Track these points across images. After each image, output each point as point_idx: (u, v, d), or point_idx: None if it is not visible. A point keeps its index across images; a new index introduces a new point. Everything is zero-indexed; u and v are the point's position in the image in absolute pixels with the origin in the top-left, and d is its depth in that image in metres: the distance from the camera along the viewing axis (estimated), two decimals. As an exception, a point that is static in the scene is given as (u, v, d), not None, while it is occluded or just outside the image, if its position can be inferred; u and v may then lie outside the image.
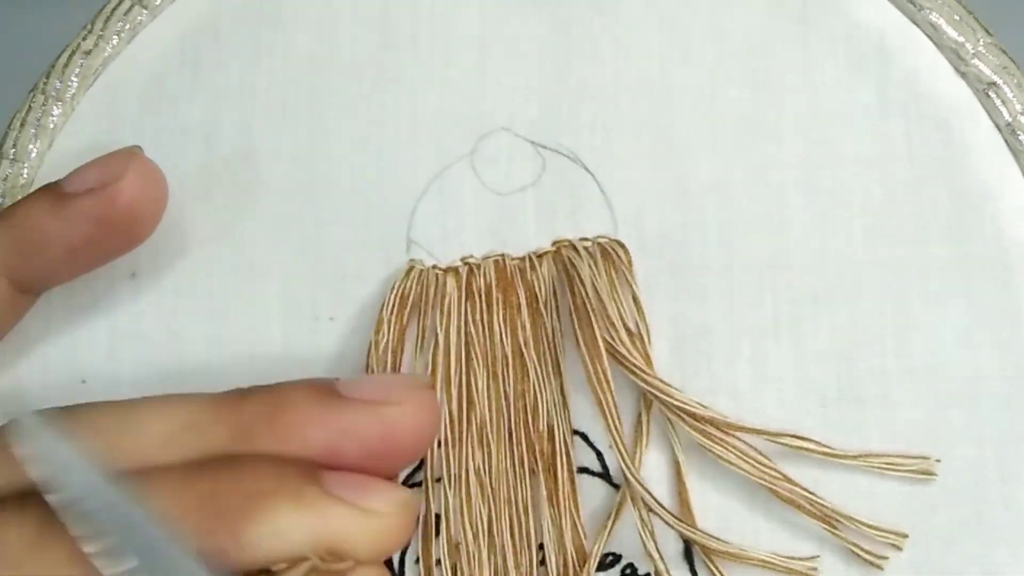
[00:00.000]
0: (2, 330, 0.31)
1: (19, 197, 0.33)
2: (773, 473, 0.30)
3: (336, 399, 0.26)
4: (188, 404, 0.26)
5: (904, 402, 0.31)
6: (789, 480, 0.30)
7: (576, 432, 0.32)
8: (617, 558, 0.31)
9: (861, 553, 0.30)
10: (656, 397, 0.30)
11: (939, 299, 0.32)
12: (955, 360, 0.32)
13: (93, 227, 0.30)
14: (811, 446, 0.30)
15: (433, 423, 0.27)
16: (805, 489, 0.30)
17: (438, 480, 0.31)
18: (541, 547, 0.31)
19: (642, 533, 0.30)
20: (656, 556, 0.30)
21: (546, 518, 0.31)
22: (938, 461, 0.31)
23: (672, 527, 0.30)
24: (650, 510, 0.30)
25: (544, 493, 0.31)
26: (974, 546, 0.30)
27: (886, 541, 0.30)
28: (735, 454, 0.30)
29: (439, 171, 0.34)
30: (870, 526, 0.30)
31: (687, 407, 0.30)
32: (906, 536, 0.30)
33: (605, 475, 0.31)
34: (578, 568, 0.30)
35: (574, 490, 0.31)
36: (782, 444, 0.30)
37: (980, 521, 0.31)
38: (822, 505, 0.30)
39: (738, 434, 0.30)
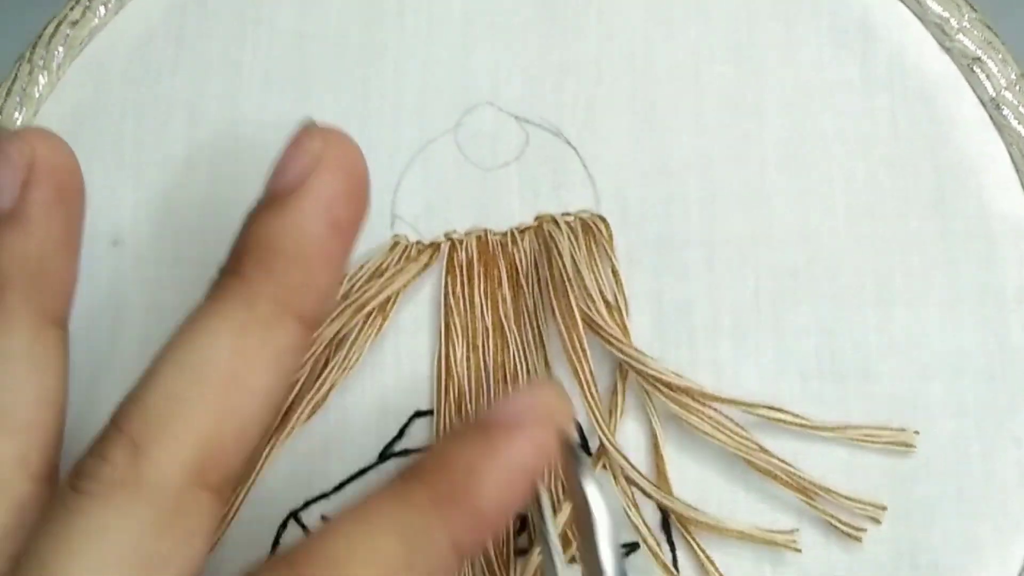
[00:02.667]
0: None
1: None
2: (749, 444, 0.30)
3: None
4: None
5: (885, 376, 0.31)
6: (765, 451, 0.30)
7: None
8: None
9: (839, 525, 0.30)
10: (631, 367, 0.30)
11: (922, 274, 0.32)
12: (937, 334, 0.31)
13: (60, 208, 0.27)
14: (787, 417, 0.30)
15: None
16: (782, 460, 0.30)
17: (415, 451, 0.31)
18: (522, 517, 0.31)
19: (624, 503, 0.30)
20: (640, 525, 0.30)
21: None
22: (917, 433, 0.30)
23: (649, 496, 0.30)
24: (629, 480, 0.30)
25: None
26: (955, 520, 0.30)
27: (864, 513, 0.30)
28: (711, 424, 0.30)
29: (423, 145, 0.34)
30: (848, 498, 0.30)
31: (662, 377, 0.30)
32: (884, 508, 0.30)
33: (584, 446, 0.31)
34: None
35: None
36: (757, 415, 0.30)
37: (961, 495, 0.30)
38: (799, 477, 0.30)
39: (714, 405, 0.30)
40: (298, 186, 0.25)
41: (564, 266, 0.31)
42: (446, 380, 0.32)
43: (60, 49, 0.34)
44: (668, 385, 0.30)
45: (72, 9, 0.34)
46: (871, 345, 0.31)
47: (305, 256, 0.25)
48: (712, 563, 0.30)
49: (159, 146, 0.33)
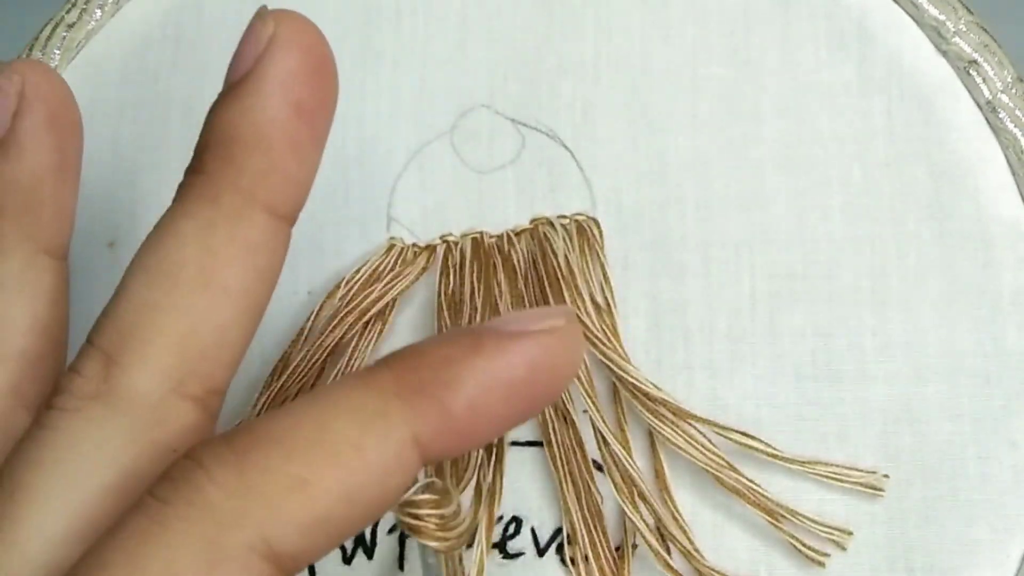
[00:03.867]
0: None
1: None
2: (719, 461, 0.30)
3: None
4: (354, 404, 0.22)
5: (881, 378, 0.31)
6: (734, 469, 0.30)
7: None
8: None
9: (802, 549, 0.29)
10: (613, 372, 0.30)
11: (917, 276, 0.32)
12: (933, 337, 0.31)
13: (51, 135, 0.26)
14: (758, 445, 0.30)
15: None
16: (750, 480, 0.30)
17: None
18: (515, 519, 0.31)
19: (622, 501, 0.30)
20: (639, 524, 0.30)
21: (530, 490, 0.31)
22: (886, 477, 0.30)
23: (646, 500, 0.30)
24: (627, 479, 0.30)
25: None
26: (951, 523, 0.30)
27: (830, 538, 0.30)
28: (684, 438, 0.30)
29: (419, 148, 0.34)
30: (814, 521, 0.30)
31: (641, 386, 0.30)
32: (850, 534, 0.30)
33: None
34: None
35: (585, 456, 0.31)
36: (731, 439, 0.30)
37: (957, 498, 0.30)
38: (766, 498, 0.30)
39: (690, 421, 0.30)
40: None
41: (558, 265, 0.31)
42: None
43: (56, 51, 0.34)
44: (646, 395, 0.30)
45: (68, 12, 0.34)
46: (867, 347, 0.31)
47: (265, 140, 0.24)
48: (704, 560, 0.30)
49: (156, 148, 0.34)
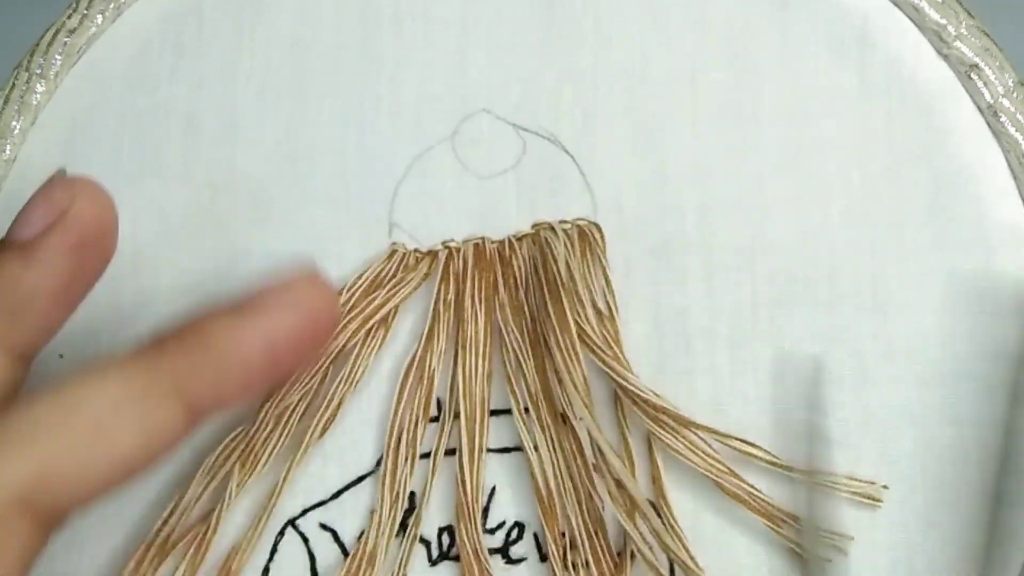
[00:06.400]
0: None
1: (1, 173, 0.33)
2: (720, 467, 0.30)
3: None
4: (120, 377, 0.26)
5: (882, 383, 0.31)
6: (736, 475, 0.30)
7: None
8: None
9: (803, 554, 0.29)
10: (613, 379, 0.30)
11: (918, 281, 0.32)
12: (934, 342, 0.31)
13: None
14: (758, 452, 0.30)
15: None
16: (751, 486, 0.30)
17: (424, 456, 0.31)
18: (517, 524, 0.31)
19: (618, 513, 0.30)
20: (635, 535, 0.30)
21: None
22: (885, 487, 0.30)
23: (646, 518, 0.30)
24: (620, 485, 0.30)
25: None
26: (953, 527, 0.30)
27: (831, 543, 0.30)
28: (684, 444, 0.30)
29: (420, 153, 0.34)
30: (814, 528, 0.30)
31: (641, 394, 0.30)
32: (852, 539, 0.30)
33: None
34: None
35: (586, 462, 0.31)
36: (730, 446, 0.30)
37: (958, 502, 0.30)
38: (767, 503, 0.30)
39: (692, 428, 0.30)
40: (36, 234, 0.27)
41: (558, 271, 0.31)
42: (427, 386, 0.31)
43: (58, 57, 0.34)
44: (647, 403, 0.30)
45: (70, 17, 0.34)
46: (868, 352, 0.31)
47: (35, 299, 0.27)
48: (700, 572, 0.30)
49: (156, 154, 0.34)
